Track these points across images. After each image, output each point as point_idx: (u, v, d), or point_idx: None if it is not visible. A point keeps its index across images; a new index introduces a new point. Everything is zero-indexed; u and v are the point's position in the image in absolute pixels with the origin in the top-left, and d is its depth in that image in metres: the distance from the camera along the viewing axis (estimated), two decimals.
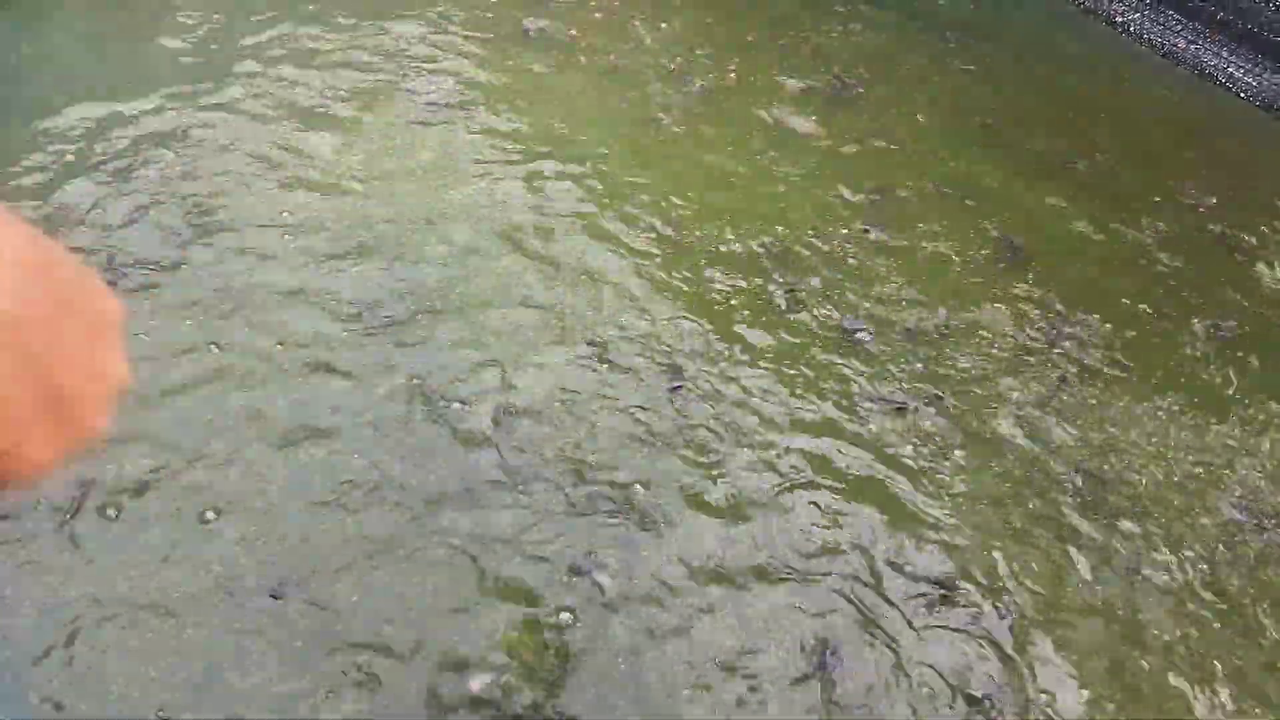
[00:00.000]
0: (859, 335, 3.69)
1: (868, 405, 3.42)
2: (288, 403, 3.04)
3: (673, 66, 5.29)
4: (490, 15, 5.38)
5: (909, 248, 4.24)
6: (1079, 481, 3.29)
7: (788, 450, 3.19)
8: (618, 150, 4.50)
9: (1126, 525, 3.17)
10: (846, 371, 3.54)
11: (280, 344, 3.22)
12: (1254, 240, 4.68)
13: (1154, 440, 3.52)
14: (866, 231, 4.26)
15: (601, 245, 3.89)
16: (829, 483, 3.11)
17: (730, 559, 2.83)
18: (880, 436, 3.31)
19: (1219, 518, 3.27)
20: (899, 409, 3.40)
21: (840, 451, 3.23)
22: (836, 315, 3.77)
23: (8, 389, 0.57)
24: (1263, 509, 3.33)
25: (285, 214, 3.74)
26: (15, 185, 3.65)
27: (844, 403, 3.41)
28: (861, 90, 5.40)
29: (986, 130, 5.23)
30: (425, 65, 4.86)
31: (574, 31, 5.42)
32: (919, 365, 3.63)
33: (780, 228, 4.19)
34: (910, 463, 3.24)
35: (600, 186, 4.23)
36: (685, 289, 3.76)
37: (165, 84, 4.31)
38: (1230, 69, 5.65)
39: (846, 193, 4.50)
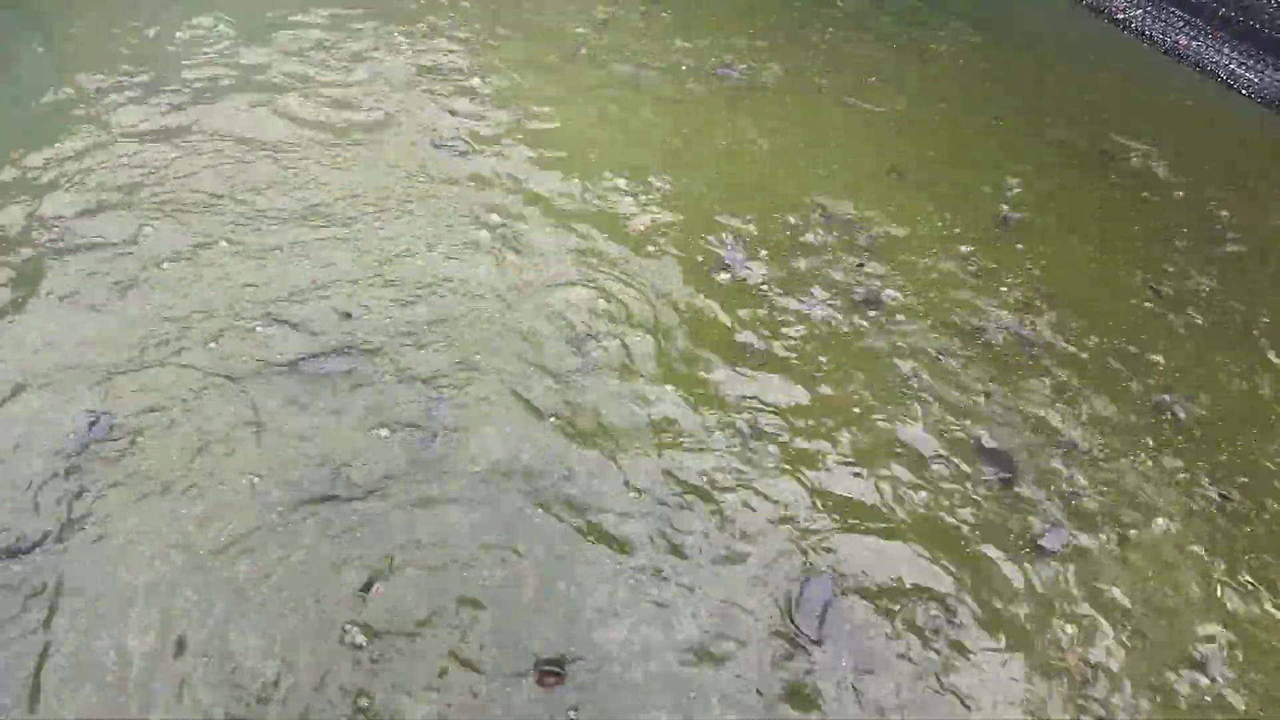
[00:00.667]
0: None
1: None
2: None
3: (711, 62, 5.36)
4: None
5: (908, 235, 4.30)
6: None
7: None
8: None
9: None
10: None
11: None
12: (1252, 235, 4.74)
13: None
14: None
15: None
16: None
17: None
18: None
19: None
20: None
21: None
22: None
23: None
24: None
25: None
26: None
27: None
28: (874, 81, 5.46)
29: (989, 125, 5.29)
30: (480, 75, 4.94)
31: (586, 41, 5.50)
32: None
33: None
34: None
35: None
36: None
37: None
38: (1231, 65, 5.69)
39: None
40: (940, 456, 3.28)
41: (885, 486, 3.15)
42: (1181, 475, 3.39)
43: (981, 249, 4.36)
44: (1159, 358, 3.91)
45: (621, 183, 4.36)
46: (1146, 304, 4.20)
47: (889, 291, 4.01)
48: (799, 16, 6.22)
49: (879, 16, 6.36)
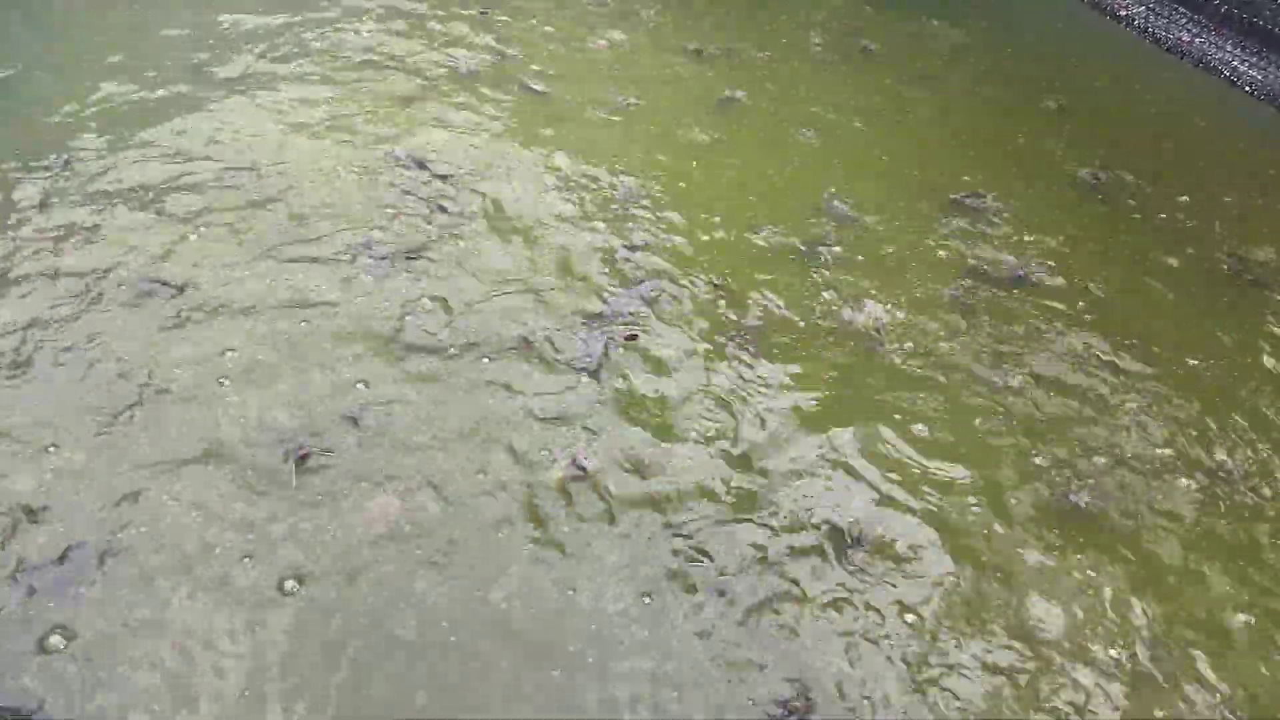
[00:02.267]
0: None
1: None
2: None
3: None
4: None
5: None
6: None
7: None
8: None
9: None
10: None
11: None
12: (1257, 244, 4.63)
13: None
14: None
15: None
16: None
17: None
18: None
19: None
20: None
21: None
22: None
23: None
24: None
25: None
26: None
27: None
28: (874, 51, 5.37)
29: (990, 122, 5.20)
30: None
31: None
32: None
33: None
34: None
35: None
36: None
37: None
38: (1235, 63, 5.61)
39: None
40: None
41: None
42: None
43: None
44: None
45: None
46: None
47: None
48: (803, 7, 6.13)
49: (879, 8, 6.27)
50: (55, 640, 2.27)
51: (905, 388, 3.38)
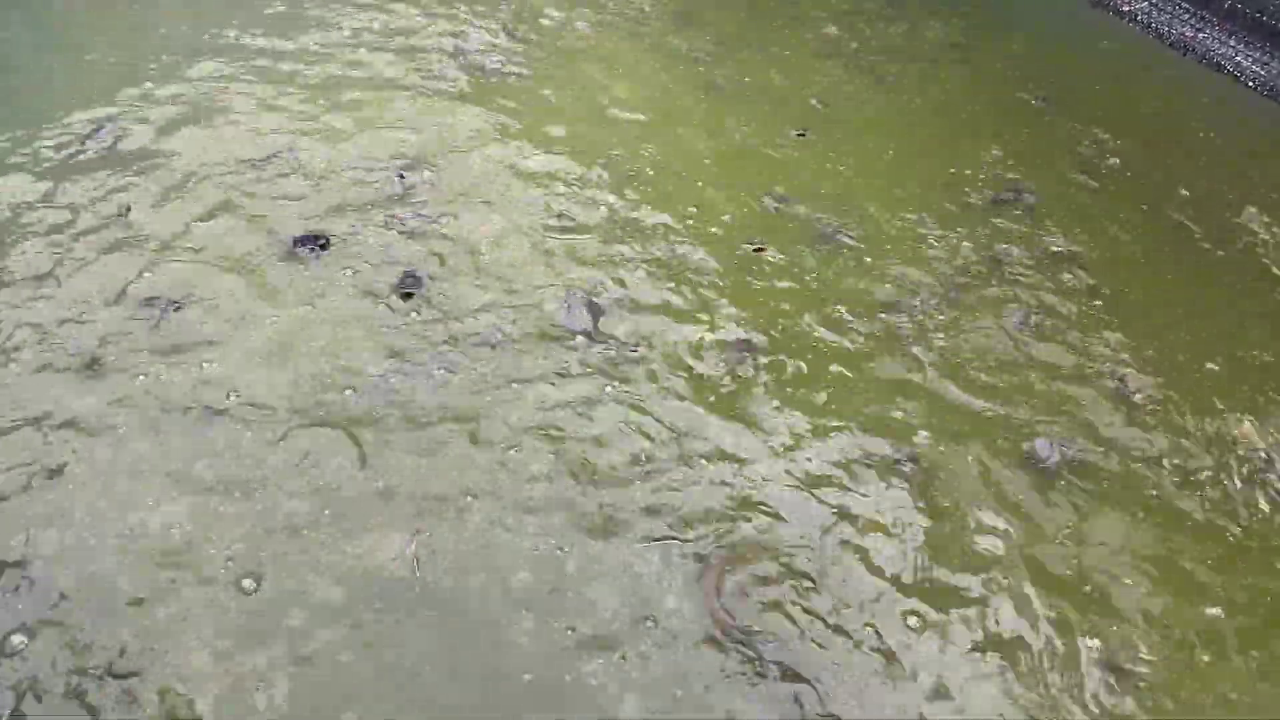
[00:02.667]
0: None
1: None
2: None
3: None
4: None
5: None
6: None
7: None
8: None
9: None
10: None
11: None
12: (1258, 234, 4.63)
13: None
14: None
15: None
16: None
17: None
18: None
19: None
20: None
21: None
22: None
23: None
24: None
25: None
26: None
27: None
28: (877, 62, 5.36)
29: (990, 118, 5.19)
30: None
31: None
32: None
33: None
34: None
35: None
36: None
37: None
38: (1239, 58, 5.61)
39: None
40: None
41: None
42: None
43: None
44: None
45: None
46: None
47: None
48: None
49: (879, 6, 6.25)
50: None
51: (908, 384, 3.38)
